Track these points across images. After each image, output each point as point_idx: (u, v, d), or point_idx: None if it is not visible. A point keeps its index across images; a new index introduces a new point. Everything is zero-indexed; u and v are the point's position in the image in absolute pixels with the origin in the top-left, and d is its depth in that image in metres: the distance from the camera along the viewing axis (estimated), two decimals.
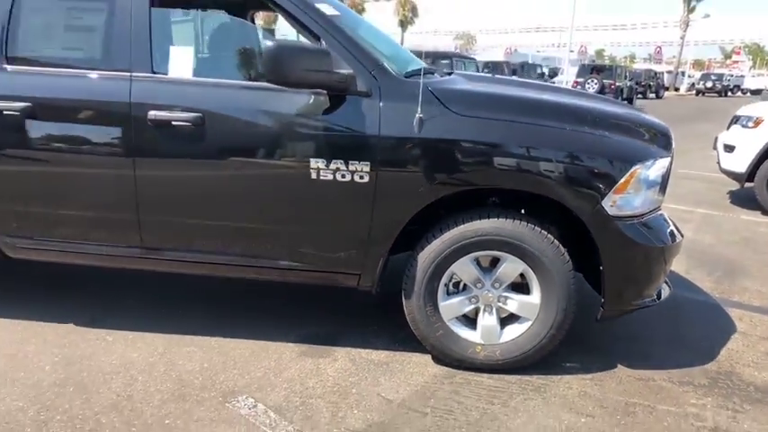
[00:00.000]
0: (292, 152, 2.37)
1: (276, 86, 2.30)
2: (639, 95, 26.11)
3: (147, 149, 2.41)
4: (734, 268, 4.01)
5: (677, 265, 3.43)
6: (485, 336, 2.50)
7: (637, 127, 2.62)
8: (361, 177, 2.31)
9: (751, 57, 79.38)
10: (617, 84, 22.36)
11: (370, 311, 3.05)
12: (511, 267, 2.42)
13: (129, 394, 2.28)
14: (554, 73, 29.67)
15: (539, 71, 26.49)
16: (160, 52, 2.44)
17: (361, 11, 57.21)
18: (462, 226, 2.37)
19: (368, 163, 2.30)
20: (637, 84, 26.20)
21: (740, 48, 73.62)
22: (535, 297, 2.44)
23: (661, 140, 2.59)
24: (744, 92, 40.75)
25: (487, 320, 2.51)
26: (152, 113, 2.35)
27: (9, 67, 2.47)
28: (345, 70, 2.28)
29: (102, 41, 2.49)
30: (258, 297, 3.24)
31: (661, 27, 74.50)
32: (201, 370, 2.47)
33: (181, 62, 2.42)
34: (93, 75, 2.46)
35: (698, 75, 43.35)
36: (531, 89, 3.10)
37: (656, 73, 33.02)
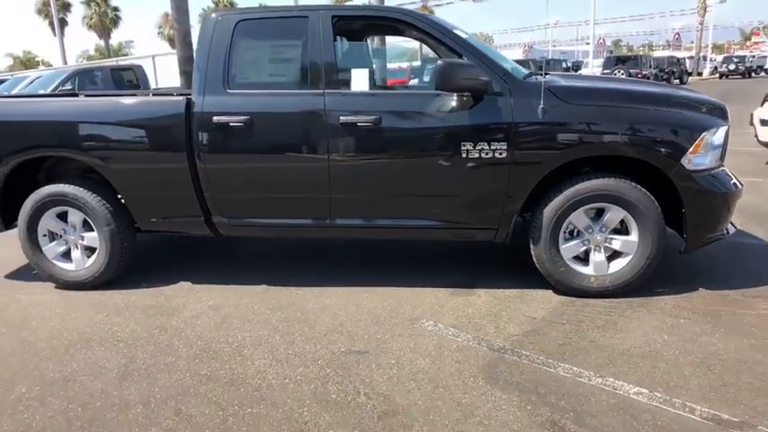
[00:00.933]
0: (447, 138, 3.21)
1: (433, 91, 3.16)
2: (664, 81, 26.52)
3: (338, 145, 3.28)
4: None
5: (736, 220, 4.16)
6: (597, 269, 3.30)
7: (700, 104, 3.40)
8: (501, 154, 3.14)
9: None
10: (643, 72, 22.87)
11: (496, 262, 3.89)
12: (614, 215, 3.22)
13: (339, 323, 3.13)
14: (577, 66, 30.21)
15: (563, 65, 27.13)
16: (343, 73, 3.32)
17: None
18: (577, 186, 3.18)
19: (505, 143, 3.13)
20: (660, 71, 26.65)
21: (759, 29, 72.76)
22: (634, 236, 3.23)
23: (719, 113, 3.37)
24: (767, 72, 40.52)
25: (598, 257, 3.30)
26: (342, 118, 3.22)
27: (231, 91, 3.37)
28: (484, 77, 3.12)
29: (299, 69, 3.39)
30: (409, 256, 4.14)
31: (678, 15, 73.89)
32: (383, 307, 3.31)
33: (359, 79, 3.29)
34: (296, 93, 3.35)
35: (720, 58, 43.28)
36: (611, 82, 3.90)
37: (678, 59, 33.33)
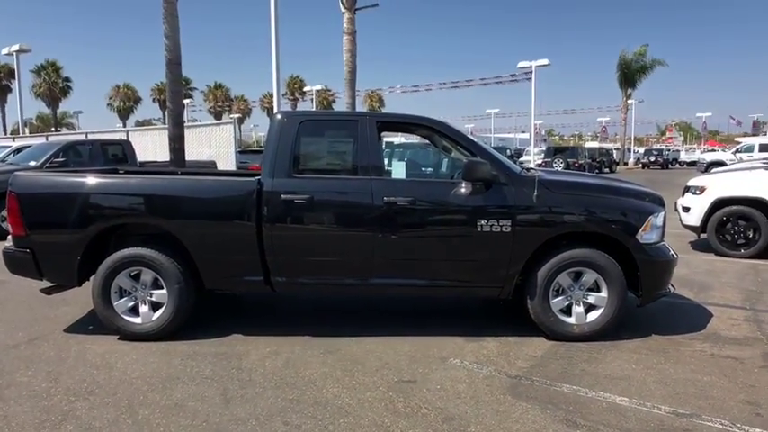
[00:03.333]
0: (466, 216, 4.20)
1: (454, 180, 4.21)
2: (596, 170, 29.61)
3: (382, 220, 4.20)
4: (703, 287, 5.96)
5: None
6: (577, 319, 4.28)
7: (645, 195, 4.61)
8: (506, 229, 4.15)
9: (681, 133, 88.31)
10: (579, 162, 25.65)
11: (494, 315, 4.80)
12: (589, 276, 4.26)
13: (384, 362, 3.89)
14: (519, 154, 33.21)
15: (507, 153, 29.82)
16: (385, 163, 4.31)
17: (330, 104, 62.06)
18: (563, 254, 4.22)
19: (509, 220, 4.16)
20: (593, 160, 29.83)
21: (671, 125, 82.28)
22: (604, 293, 4.26)
23: (659, 201, 4.60)
24: (681, 164, 45.69)
25: (578, 310, 4.30)
26: (385, 199, 4.17)
27: (297, 176, 4.27)
28: (494, 172, 4.18)
29: (351, 159, 4.36)
30: (426, 311, 4.97)
31: (605, 110, 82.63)
32: (416, 350, 4.11)
33: (398, 169, 4.29)
34: (348, 178, 4.30)
35: (642, 150, 48.51)
36: (585, 177, 5.11)
37: (607, 150, 37.30)
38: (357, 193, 4.25)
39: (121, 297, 4.35)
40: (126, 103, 61.11)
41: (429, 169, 5.76)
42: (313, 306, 5.32)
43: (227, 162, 13.63)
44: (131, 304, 4.36)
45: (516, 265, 4.23)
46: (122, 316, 4.33)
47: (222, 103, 64.28)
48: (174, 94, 11.09)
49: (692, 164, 42.63)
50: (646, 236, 4.29)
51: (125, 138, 15.41)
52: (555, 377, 3.63)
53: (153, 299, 4.35)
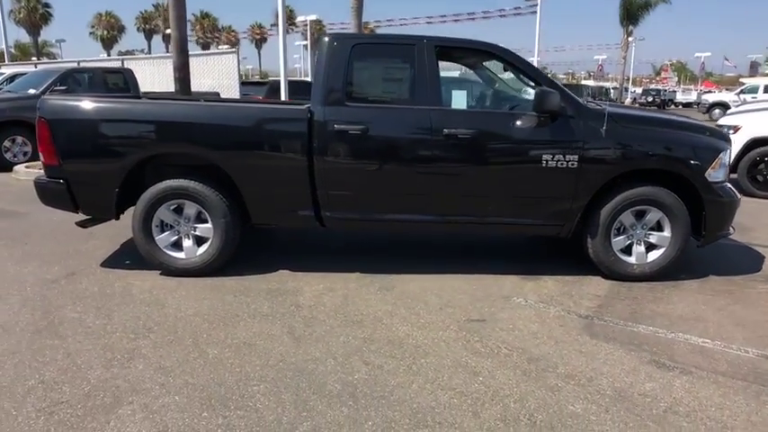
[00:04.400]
0: (531, 150, 3.96)
1: (521, 112, 3.93)
2: None
3: (441, 154, 3.95)
4: (744, 228, 5.87)
5: None
6: (638, 258, 4.16)
7: (712, 131, 4.38)
8: (572, 164, 3.93)
9: (676, 73, 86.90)
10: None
11: (546, 255, 4.68)
12: (654, 215, 4.09)
13: (446, 301, 3.75)
14: None
15: None
16: (445, 93, 4.00)
17: (321, 36, 59.45)
18: (627, 192, 4.03)
19: (576, 155, 3.92)
20: (593, 98, 29.23)
21: (667, 65, 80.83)
22: (667, 233, 4.12)
23: (725, 137, 4.37)
24: (676, 105, 45.15)
25: (639, 249, 4.16)
26: (445, 131, 3.90)
27: (350, 104, 3.96)
28: (563, 103, 3.91)
29: (408, 87, 4.03)
30: (477, 249, 4.83)
31: (602, 48, 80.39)
32: (475, 288, 3.98)
33: (458, 99, 3.99)
34: (405, 108, 4.00)
35: (639, 90, 47.75)
36: (645, 111, 4.83)
37: (606, 89, 36.59)
38: (415, 124, 3.96)
39: (163, 231, 4.13)
40: (110, 32, 58.32)
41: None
42: (357, 242, 5.15)
43: (230, 94, 13.01)
44: (174, 239, 4.14)
45: (580, 203, 4.04)
46: (165, 251, 4.12)
47: (210, 34, 61.50)
48: (177, 19, 10.33)
49: (688, 105, 42.14)
50: (714, 174, 4.10)
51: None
52: (626, 317, 3.54)
53: (197, 233, 4.13)
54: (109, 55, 53.94)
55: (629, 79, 50.85)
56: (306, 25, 50.39)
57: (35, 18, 47.37)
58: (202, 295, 3.81)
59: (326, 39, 4.06)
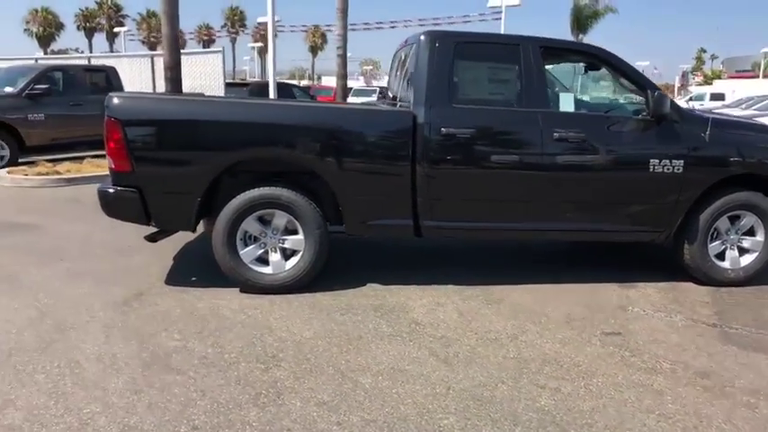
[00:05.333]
0: (639, 155, 3.86)
1: (631, 116, 3.83)
2: None
3: (550, 157, 3.78)
4: None
5: None
6: (732, 263, 4.14)
7: None
8: (678, 169, 3.86)
9: None
10: None
11: (630, 261, 4.61)
12: (748, 220, 4.09)
13: (567, 313, 3.58)
14: None
15: None
16: (552, 95, 3.83)
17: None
18: (725, 197, 4.00)
19: (681, 161, 3.86)
20: None
21: None
22: (760, 237, 4.13)
23: None
24: None
25: (732, 254, 4.15)
26: (555, 134, 3.73)
27: (456, 106, 3.72)
28: (666, 109, 3.83)
29: (515, 89, 3.84)
30: (558, 257, 4.74)
31: None
32: (588, 300, 3.81)
33: (566, 101, 3.84)
34: (513, 110, 3.81)
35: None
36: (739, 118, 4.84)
37: None
38: (524, 126, 3.78)
39: (247, 245, 3.74)
40: (46, 29, 54.75)
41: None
42: (428, 251, 4.89)
43: (214, 95, 12.39)
44: (260, 252, 3.76)
45: (682, 209, 3.98)
46: (250, 266, 3.73)
47: (157, 33, 58.95)
48: (170, 16, 9.69)
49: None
50: None
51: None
52: (751, 324, 3.49)
53: (285, 246, 3.77)
54: (45, 53, 50.76)
55: None
56: (257, 27, 48.95)
57: None
58: (305, 314, 3.46)
59: (425, 37, 3.81)
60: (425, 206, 3.78)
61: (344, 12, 14.38)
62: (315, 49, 68.04)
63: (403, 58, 4.51)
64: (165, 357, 2.88)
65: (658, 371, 2.86)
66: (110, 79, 10.23)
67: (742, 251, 4.19)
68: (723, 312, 3.68)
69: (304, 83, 43.09)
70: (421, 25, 46.12)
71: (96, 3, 57.11)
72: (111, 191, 3.62)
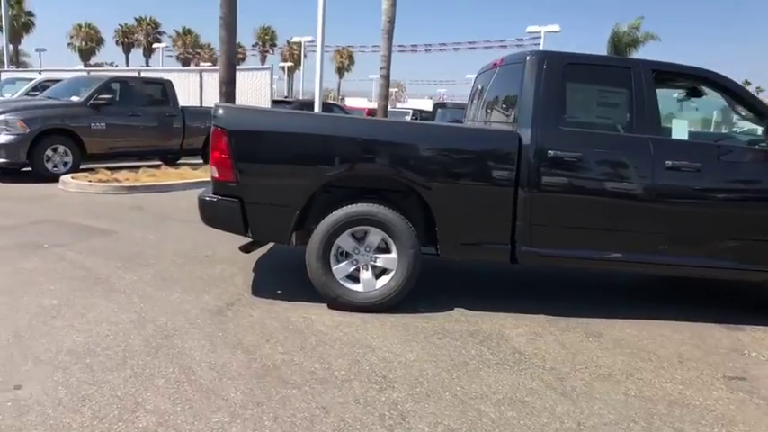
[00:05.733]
0: (759, 188, 3.72)
1: (748, 146, 3.76)
2: None
3: (661, 187, 3.65)
4: None
5: None
6: None
7: None
8: None
9: None
10: None
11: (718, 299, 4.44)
12: None
13: (677, 353, 3.39)
14: None
15: None
16: (664, 121, 3.74)
17: (298, 58, 59.41)
18: None
19: None
20: None
21: None
22: None
23: None
24: None
25: None
26: (667, 162, 3.62)
27: (564, 129, 3.65)
28: None
29: (625, 113, 3.75)
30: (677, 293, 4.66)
31: None
32: (686, 337, 3.63)
33: (679, 128, 3.74)
34: (623, 135, 3.73)
35: None
36: None
37: None
38: (634, 153, 3.67)
39: (339, 261, 3.68)
40: (88, 44, 56.77)
41: None
42: (511, 276, 4.77)
43: None
44: (351, 269, 3.69)
45: None
46: (342, 282, 3.66)
47: (192, 50, 60.70)
48: (228, 32, 9.91)
49: None
50: None
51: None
52: None
53: (378, 264, 3.69)
54: (86, 66, 52.50)
55: None
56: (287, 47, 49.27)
57: (17, 26, 45.69)
58: (401, 336, 3.35)
59: (532, 57, 3.76)
60: (525, 231, 3.67)
61: (390, 33, 14.51)
62: (341, 70, 69.02)
63: (492, 78, 4.47)
64: (275, 370, 2.79)
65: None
66: (166, 92, 10.43)
67: None
68: None
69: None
70: (455, 49, 46.47)
71: (135, 19, 59.20)
72: (212, 200, 3.60)
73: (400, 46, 47.43)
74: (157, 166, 9.82)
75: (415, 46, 46.32)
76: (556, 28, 27.78)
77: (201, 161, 11.00)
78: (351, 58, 67.63)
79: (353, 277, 3.70)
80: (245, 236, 3.73)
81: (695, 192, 3.71)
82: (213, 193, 3.62)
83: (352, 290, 3.67)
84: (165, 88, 10.57)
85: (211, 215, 3.67)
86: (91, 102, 9.04)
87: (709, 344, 3.58)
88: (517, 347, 3.31)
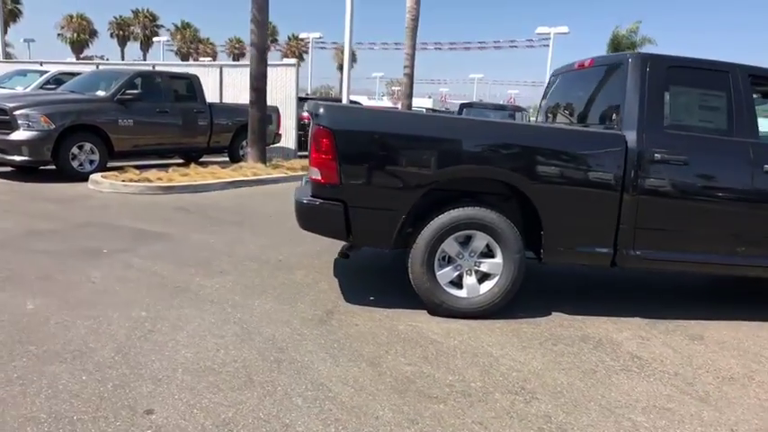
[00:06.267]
0: None
1: None
2: None
3: (760, 190, 3.63)
4: None
5: None
6: None
7: None
8: None
9: None
10: None
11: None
12: None
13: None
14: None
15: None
16: (761, 125, 3.71)
17: (302, 53, 58.95)
18: None
19: None
20: None
21: None
22: None
23: None
24: None
25: None
26: (766, 167, 3.59)
27: (668, 131, 3.61)
28: None
29: (725, 116, 3.72)
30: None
31: None
32: None
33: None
34: (725, 139, 3.69)
35: None
36: None
37: None
38: (735, 157, 3.66)
39: (442, 267, 3.61)
40: (80, 36, 55.67)
41: None
42: (594, 279, 4.76)
43: (286, 109, 12.37)
44: (455, 275, 3.63)
45: None
46: (446, 288, 3.60)
47: (191, 44, 59.81)
48: (259, 26, 9.74)
49: None
50: None
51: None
52: None
53: (483, 269, 3.63)
54: (77, 59, 51.60)
55: None
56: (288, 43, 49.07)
57: (5, 14, 44.62)
58: (516, 342, 3.30)
59: (635, 59, 3.70)
60: (628, 234, 3.64)
61: (414, 30, 14.38)
62: (343, 68, 68.56)
63: (578, 80, 4.42)
64: (410, 383, 2.73)
65: None
66: (193, 87, 10.23)
67: None
68: None
69: None
70: (466, 49, 46.24)
71: (132, 11, 58.16)
72: (314, 203, 3.50)
73: (397, 44, 47.04)
74: (185, 164, 9.63)
75: (425, 43, 45.79)
76: (565, 29, 27.88)
77: (228, 159, 10.87)
78: (354, 55, 67.20)
79: (456, 283, 3.65)
80: (345, 240, 3.65)
81: None
82: (313, 196, 3.53)
83: (456, 296, 3.61)
84: (192, 83, 10.35)
85: (312, 219, 3.58)
86: (118, 97, 8.82)
87: None
88: (633, 352, 3.28)
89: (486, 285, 3.63)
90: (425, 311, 3.66)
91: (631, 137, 3.56)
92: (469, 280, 3.63)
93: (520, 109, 17.13)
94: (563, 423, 2.46)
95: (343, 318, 3.52)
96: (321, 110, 3.46)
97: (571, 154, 3.58)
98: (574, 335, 3.49)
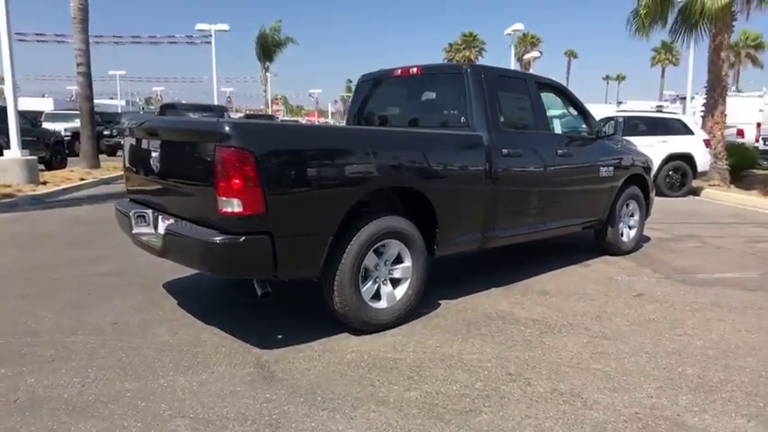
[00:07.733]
0: (585, 164, 5.10)
1: (584, 135, 5.11)
2: None
3: (559, 172, 4.71)
4: None
5: None
6: None
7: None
8: (609, 173, 5.33)
9: (284, 107, 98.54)
10: None
11: None
12: None
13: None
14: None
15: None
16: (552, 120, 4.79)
17: None
18: None
19: (613, 168, 5.33)
20: None
21: (278, 99, 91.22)
22: None
23: None
24: None
25: None
26: (559, 151, 4.72)
27: (505, 130, 4.31)
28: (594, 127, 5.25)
29: (531, 115, 4.62)
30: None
31: (231, 82, 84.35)
32: None
33: (555, 124, 4.83)
34: (534, 133, 4.60)
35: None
36: None
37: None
38: (543, 147, 4.62)
39: (364, 282, 3.43)
40: None
41: None
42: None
43: None
44: (375, 288, 3.50)
45: None
46: (370, 304, 3.44)
47: None
48: None
49: None
50: None
51: None
52: None
53: (396, 275, 3.60)
54: None
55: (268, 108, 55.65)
56: None
57: None
58: (452, 338, 3.43)
59: (471, 69, 4.26)
60: (492, 219, 4.20)
61: (84, 22, 12.12)
62: None
63: (408, 86, 4.79)
64: (431, 407, 2.57)
65: None
66: None
67: None
68: None
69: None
70: (117, 43, 41.18)
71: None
72: (236, 240, 2.79)
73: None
74: None
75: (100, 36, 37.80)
76: (225, 27, 28.33)
77: None
78: None
79: (375, 296, 3.52)
80: (269, 276, 3.02)
81: (570, 173, 4.92)
82: (230, 233, 2.82)
83: (379, 308, 3.49)
84: None
85: (234, 260, 2.86)
86: None
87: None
88: (528, 317, 3.83)
89: (401, 290, 3.62)
90: (347, 332, 3.43)
91: (485, 136, 4.10)
92: (387, 289, 3.56)
93: (225, 109, 17.16)
94: (570, 389, 2.78)
95: (285, 367, 2.97)
96: (228, 128, 2.78)
97: (453, 155, 3.90)
98: (477, 317, 3.83)
